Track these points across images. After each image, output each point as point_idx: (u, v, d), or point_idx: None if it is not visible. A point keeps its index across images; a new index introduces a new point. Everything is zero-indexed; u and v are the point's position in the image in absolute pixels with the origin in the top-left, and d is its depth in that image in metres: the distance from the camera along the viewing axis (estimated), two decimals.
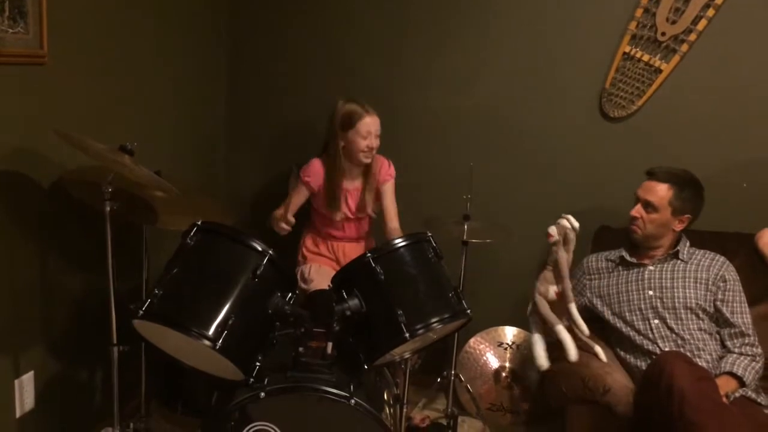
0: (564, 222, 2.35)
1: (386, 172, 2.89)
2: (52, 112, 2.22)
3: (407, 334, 1.90)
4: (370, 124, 2.70)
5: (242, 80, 3.30)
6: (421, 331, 1.92)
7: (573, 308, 2.32)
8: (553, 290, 2.36)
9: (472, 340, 3.06)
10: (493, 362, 3.02)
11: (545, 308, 2.36)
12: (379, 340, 1.96)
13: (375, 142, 2.73)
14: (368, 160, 2.78)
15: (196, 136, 3.17)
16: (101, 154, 1.89)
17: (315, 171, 2.81)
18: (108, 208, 1.99)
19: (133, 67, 2.62)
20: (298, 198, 2.84)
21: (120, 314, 2.16)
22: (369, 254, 1.99)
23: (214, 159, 3.37)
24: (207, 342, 1.78)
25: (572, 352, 2.26)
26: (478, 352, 3.04)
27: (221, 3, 3.21)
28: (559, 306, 2.37)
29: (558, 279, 2.36)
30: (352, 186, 2.85)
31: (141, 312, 1.83)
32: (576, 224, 2.36)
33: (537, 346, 2.39)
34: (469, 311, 2.03)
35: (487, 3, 2.91)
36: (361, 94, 2.95)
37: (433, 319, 1.95)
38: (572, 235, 2.36)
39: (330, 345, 1.98)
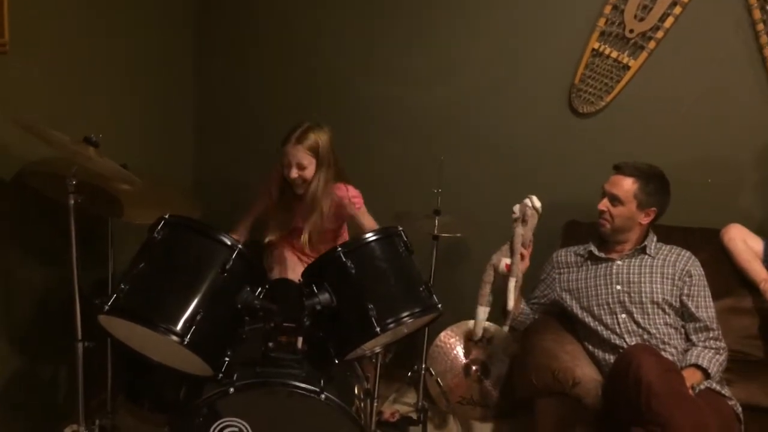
0: (527, 201, 2.45)
1: (349, 202, 2.65)
2: (14, 102, 2.17)
3: (378, 329, 1.89)
4: (289, 155, 2.51)
5: (210, 68, 3.27)
6: (392, 326, 1.92)
7: (511, 282, 2.43)
8: (504, 262, 2.46)
9: (442, 334, 3.06)
10: (464, 356, 3.03)
11: (488, 277, 2.48)
12: (350, 335, 1.95)
13: (295, 174, 2.52)
14: (298, 190, 2.59)
15: (164, 127, 3.12)
16: (65, 146, 1.85)
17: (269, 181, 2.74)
18: (72, 201, 1.94)
19: (98, 56, 2.56)
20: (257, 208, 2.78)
21: (85, 309, 2.12)
22: (339, 248, 1.98)
23: (183, 150, 3.33)
24: (175, 337, 1.76)
25: (510, 303, 2.42)
26: (448, 345, 3.05)
27: None
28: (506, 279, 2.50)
29: (512, 253, 2.47)
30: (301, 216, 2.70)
31: (107, 307, 1.79)
32: (538, 204, 2.44)
33: (478, 316, 2.52)
34: (439, 305, 2.04)
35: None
36: (331, 87, 2.93)
37: (404, 314, 1.95)
38: (531, 213, 2.44)
39: (300, 340, 1.97)
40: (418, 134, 3.06)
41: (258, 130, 3.25)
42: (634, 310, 2.37)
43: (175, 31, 3.12)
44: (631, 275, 2.43)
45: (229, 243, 1.92)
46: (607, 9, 2.72)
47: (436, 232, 2.56)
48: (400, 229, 2.10)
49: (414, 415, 2.84)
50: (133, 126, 2.86)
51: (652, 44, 2.71)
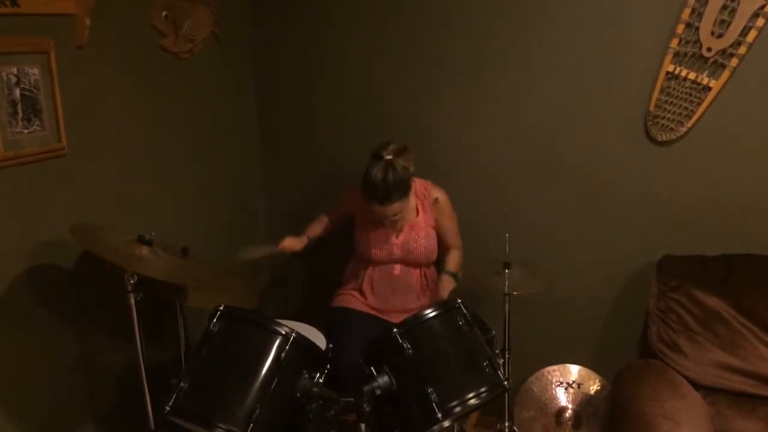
0: None
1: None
2: (77, 200, 2.24)
3: (439, 414, 1.82)
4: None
5: (276, 140, 3.24)
6: (456, 410, 1.85)
7: None
8: None
9: (533, 377, 2.92)
10: (556, 401, 2.88)
11: None
12: (413, 421, 1.88)
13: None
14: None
15: (230, 201, 3.10)
16: (117, 252, 1.88)
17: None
18: (132, 300, 1.98)
19: (158, 138, 2.60)
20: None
21: (162, 388, 2.13)
22: (395, 329, 1.91)
23: (252, 223, 3.31)
24: None
25: None
26: (539, 390, 2.91)
27: (244, 64, 3.14)
28: None
29: None
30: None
31: (167, 408, 1.83)
32: None
33: None
34: (506, 383, 1.93)
35: (522, 35, 2.72)
36: (397, 132, 2.80)
37: (468, 395, 1.87)
38: None
39: (363, 426, 1.91)
40: (485, 176, 2.90)
41: (327, 202, 3.09)
42: None
43: (237, 104, 3.10)
44: None
45: (283, 332, 1.90)
46: (680, 28, 2.49)
47: (507, 290, 2.38)
48: (459, 302, 2.00)
49: None
50: (198, 204, 2.86)
51: (734, 62, 2.45)
